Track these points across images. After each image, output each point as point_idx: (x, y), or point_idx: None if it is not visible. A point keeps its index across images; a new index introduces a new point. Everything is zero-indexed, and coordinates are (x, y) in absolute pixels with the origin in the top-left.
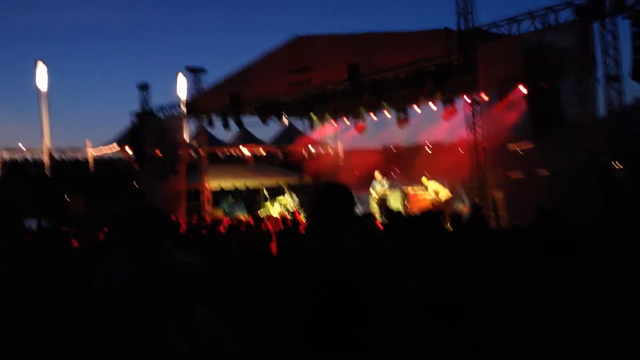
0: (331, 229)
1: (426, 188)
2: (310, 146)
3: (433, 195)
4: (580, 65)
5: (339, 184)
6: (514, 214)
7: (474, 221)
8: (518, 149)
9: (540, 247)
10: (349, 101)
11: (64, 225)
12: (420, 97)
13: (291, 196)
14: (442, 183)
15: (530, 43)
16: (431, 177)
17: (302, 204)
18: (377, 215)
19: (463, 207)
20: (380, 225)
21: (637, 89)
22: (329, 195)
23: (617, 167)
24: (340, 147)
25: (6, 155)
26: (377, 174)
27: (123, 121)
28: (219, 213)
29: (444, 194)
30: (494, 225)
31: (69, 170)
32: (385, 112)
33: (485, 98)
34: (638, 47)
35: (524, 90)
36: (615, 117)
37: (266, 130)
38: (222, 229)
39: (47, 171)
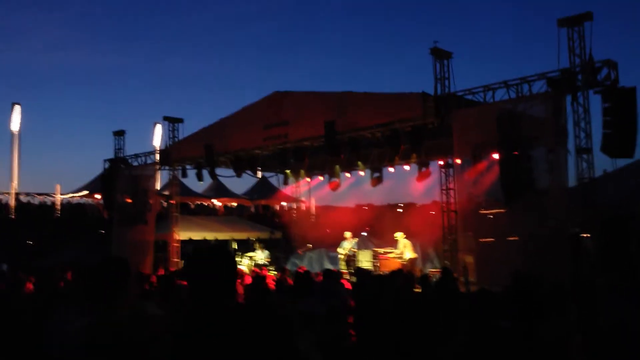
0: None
1: (397, 244)
2: (283, 201)
3: (400, 252)
4: (552, 135)
5: (217, 247)
6: (484, 279)
7: (444, 283)
8: (490, 213)
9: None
10: (324, 158)
11: (23, 270)
12: (395, 157)
13: (261, 251)
14: (414, 245)
15: (504, 111)
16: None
17: (272, 260)
18: (346, 273)
19: (433, 270)
20: (347, 284)
21: (607, 162)
22: (205, 258)
23: (586, 237)
24: (313, 204)
25: None
26: (346, 234)
27: (97, 167)
28: None
29: (410, 254)
30: (463, 290)
31: (35, 214)
32: (361, 171)
33: (459, 162)
34: (608, 121)
35: (497, 156)
36: (584, 188)
37: (239, 184)
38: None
39: (12, 214)
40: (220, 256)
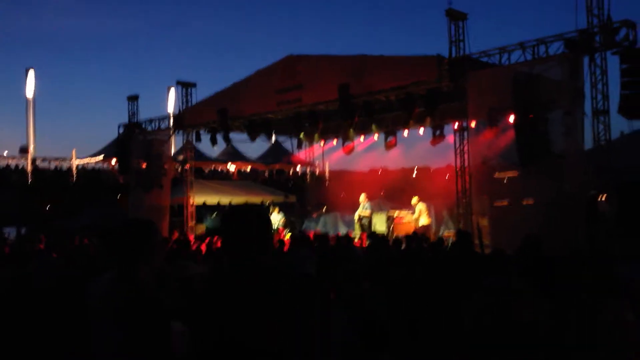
0: (242, 250)
1: (413, 209)
2: (296, 166)
3: (416, 217)
4: (569, 98)
5: (252, 206)
6: (499, 242)
7: (459, 245)
8: (504, 176)
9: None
10: (338, 122)
11: (42, 234)
12: (409, 121)
13: (277, 214)
14: (429, 207)
15: (520, 73)
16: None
17: (287, 223)
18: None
19: (448, 233)
20: (359, 246)
21: (624, 124)
22: (239, 217)
23: (602, 200)
24: (326, 168)
25: None
26: (362, 197)
27: (111, 132)
28: (202, 229)
29: (425, 220)
30: (478, 252)
31: (52, 179)
32: (375, 134)
33: (473, 125)
34: (626, 83)
35: (512, 119)
36: (601, 151)
37: (253, 148)
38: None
39: (29, 179)
40: (254, 214)
